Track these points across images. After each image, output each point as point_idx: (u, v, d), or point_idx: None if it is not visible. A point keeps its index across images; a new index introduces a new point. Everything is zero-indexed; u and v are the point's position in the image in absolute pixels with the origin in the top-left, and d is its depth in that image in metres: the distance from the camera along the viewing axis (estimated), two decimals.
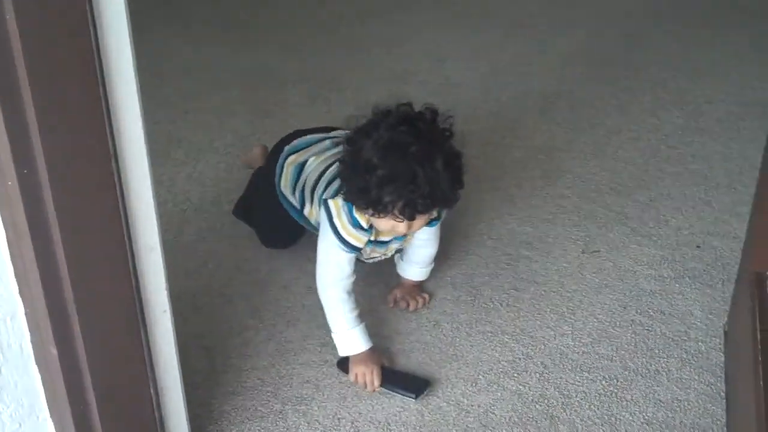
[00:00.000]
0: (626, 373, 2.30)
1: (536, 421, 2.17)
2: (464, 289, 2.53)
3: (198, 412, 2.09)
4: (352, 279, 2.25)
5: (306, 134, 2.56)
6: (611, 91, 3.34)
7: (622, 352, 2.36)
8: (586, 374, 2.30)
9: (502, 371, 2.30)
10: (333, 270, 2.24)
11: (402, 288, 2.49)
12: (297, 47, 3.57)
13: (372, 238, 2.25)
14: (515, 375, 2.29)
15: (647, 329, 2.42)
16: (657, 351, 2.36)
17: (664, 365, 2.32)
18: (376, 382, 2.21)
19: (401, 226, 2.13)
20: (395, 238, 2.31)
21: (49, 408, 1.77)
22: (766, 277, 2.06)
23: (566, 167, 2.99)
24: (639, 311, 2.47)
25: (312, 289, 2.44)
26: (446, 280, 2.57)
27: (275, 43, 3.61)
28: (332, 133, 2.52)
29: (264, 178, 2.57)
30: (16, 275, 1.61)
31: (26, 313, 1.65)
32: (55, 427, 1.79)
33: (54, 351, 1.66)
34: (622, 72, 3.45)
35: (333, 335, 2.26)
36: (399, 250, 2.44)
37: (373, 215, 2.13)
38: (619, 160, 3.03)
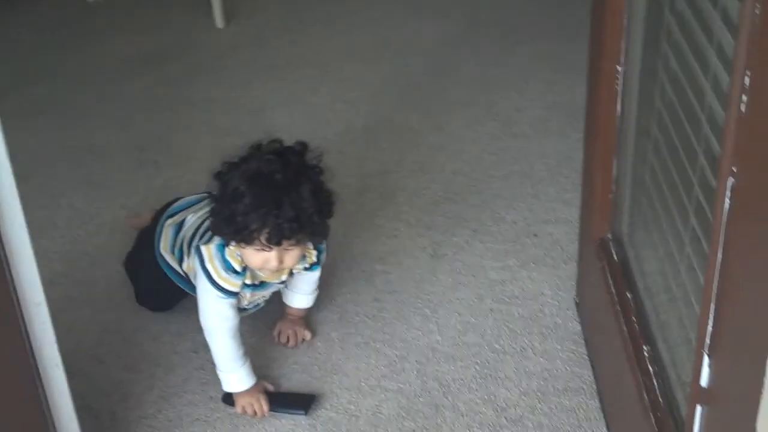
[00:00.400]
0: (495, 355, 2.44)
1: (422, 413, 2.28)
2: (329, 309, 2.62)
3: None
4: (236, 322, 2.27)
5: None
6: (426, 113, 3.52)
7: (488, 337, 2.50)
8: (460, 363, 2.42)
9: (381, 375, 2.39)
10: (214, 317, 2.25)
11: (284, 322, 2.51)
12: (116, 117, 3.60)
13: (248, 282, 2.26)
14: (394, 376, 2.39)
15: (505, 314, 2.57)
16: (518, 331, 2.51)
17: (527, 342, 2.47)
18: (265, 408, 2.28)
19: (272, 259, 2.15)
20: (274, 283, 2.34)
21: None
22: (608, 239, 2.24)
23: (400, 186, 3.13)
24: (494, 300, 2.62)
25: (182, 335, 2.48)
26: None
27: (94, 116, 3.63)
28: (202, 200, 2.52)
29: (147, 238, 2.54)
30: None
31: None
32: None
33: None
34: (433, 96, 3.64)
35: (218, 373, 2.30)
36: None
37: (240, 243, 2.15)
38: (448, 172, 3.19)
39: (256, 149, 2.17)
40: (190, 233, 2.39)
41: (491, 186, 3.12)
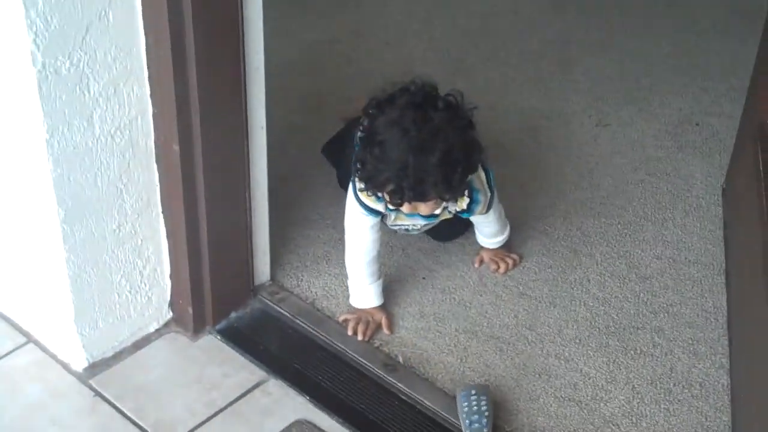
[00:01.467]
0: (638, 219, 2.63)
1: (561, 254, 2.50)
2: (495, 149, 2.84)
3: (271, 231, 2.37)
4: (374, 242, 2.21)
5: None
6: None
7: (634, 203, 2.69)
8: (604, 220, 2.63)
9: (532, 216, 2.62)
10: (353, 229, 2.21)
11: (486, 251, 2.44)
12: None
13: (391, 206, 2.13)
14: (542, 219, 2.61)
15: (655, 187, 2.75)
16: (664, 204, 2.69)
17: (670, 215, 2.66)
18: (366, 336, 2.20)
19: (404, 208, 2.07)
20: (419, 216, 2.16)
21: (162, 204, 2.06)
22: (766, 124, 2.37)
23: (579, 58, 3.31)
24: (648, 173, 2.81)
25: None
26: None
27: None
28: None
29: (350, 127, 2.46)
30: (150, 78, 1.90)
31: (154, 114, 1.94)
32: (165, 223, 2.09)
33: (176, 148, 1.95)
34: None
35: (348, 281, 2.28)
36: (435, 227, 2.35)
37: (366, 189, 2.08)
38: (625, 54, 3.35)
39: (405, 92, 2.03)
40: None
41: (664, 72, 3.26)
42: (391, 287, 2.35)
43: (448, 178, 1.97)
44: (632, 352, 2.23)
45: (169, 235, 2.09)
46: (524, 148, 2.88)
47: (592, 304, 2.35)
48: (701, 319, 2.34)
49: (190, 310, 2.16)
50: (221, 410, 2.05)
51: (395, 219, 2.24)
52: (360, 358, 2.16)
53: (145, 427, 2.00)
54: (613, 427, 2.04)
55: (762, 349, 1.88)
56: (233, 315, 2.24)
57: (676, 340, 2.28)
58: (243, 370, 2.14)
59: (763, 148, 2.32)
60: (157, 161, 1.99)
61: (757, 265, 2.05)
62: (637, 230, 2.59)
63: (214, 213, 2.06)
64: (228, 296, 2.22)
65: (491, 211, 2.27)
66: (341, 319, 2.23)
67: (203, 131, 1.93)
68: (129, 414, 2.03)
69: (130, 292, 2.10)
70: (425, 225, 2.29)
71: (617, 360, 2.21)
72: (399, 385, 2.10)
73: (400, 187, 1.97)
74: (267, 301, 2.28)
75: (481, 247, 2.43)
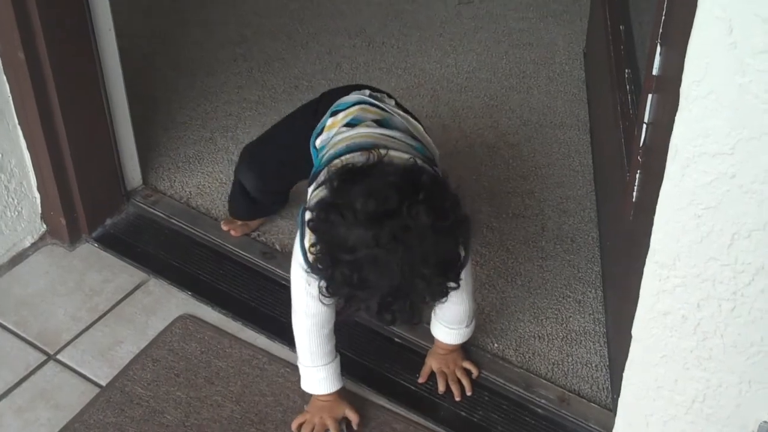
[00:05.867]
0: (503, 90, 2.69)
1: (430, 130, 2.53)
2: (359, 37, 2.86)
3: (138, 140, 2.36)
4: (325, 320, 1.76)
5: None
6: None
7: (499, 75, 2.74)
8: (470, 93, 2.67)
9: (398, 96, 2.64)
10: (300, 309, 1.75)
11: (432, 355, 1.96)
12: None
13: None
14: (410, 98, 2.64)
15: (518, 58, 2.80)
16: (528, 72, 2.75)
17: (534, 83, 2.72)
18: None
19: None
20: None
21: (17, 116, 2.04)
22: None
23: None
24: (511, 45, 2.85)
25: (224, 46, 2.74)
26: (342, 30, 2.89)
27: None
28: (390, 107, 1.93)
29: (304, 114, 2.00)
30: None
31: None
32: (24, 135, 2.07)
33: (21, 56, 1.92)
34: None
35: (298, 363, 1.84)
36: None
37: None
38: None
39: (357, 179, 1.51)
40: (332, 152, 1.76)
41: None
42: None
43: (444, 290, 1.56)
44: (504, 215, 2.29)
45: (30, 147, 2.07)
46: (389, 33, 2.90)
47: (462, 173, 2.40)
48: (569, 178, 2.41)
49: (63, 221, 2.16)
50: (104, 314, 2.07)
51: None
52: (238, 250, 2.18)
53: (30, 339, 2.01)
54: (489, 288, 2.10)
55: (622, 199, 1.95)
56: (108, 221, 2.24)
57: (546, 200, 2.35)
58: (123, 274, 2.15)
59: (611, 12, 2.37)
60: (5, 71, 1.96)
61: (611, 123, 2.12)
62: (504, 101, 2.65)
63: (71, 120, 2.05)
64: (100, 203, 2.22)
65: (463, 275, 1.66)
66: (294, 426, 1.84)
67: (46, 36, 1.91)
68: (12, 328, 2.03)
69: None
70: None
71: (491, 225, 2.27)
72: (278, 271, 2.13)
73: (389, 311, 1.53)
74: (141, 204, 2.29)
75: (430, 350, 1.96)
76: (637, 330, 1.16)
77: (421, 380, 1.93)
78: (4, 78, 1.97)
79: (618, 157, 2.00)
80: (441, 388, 1.91)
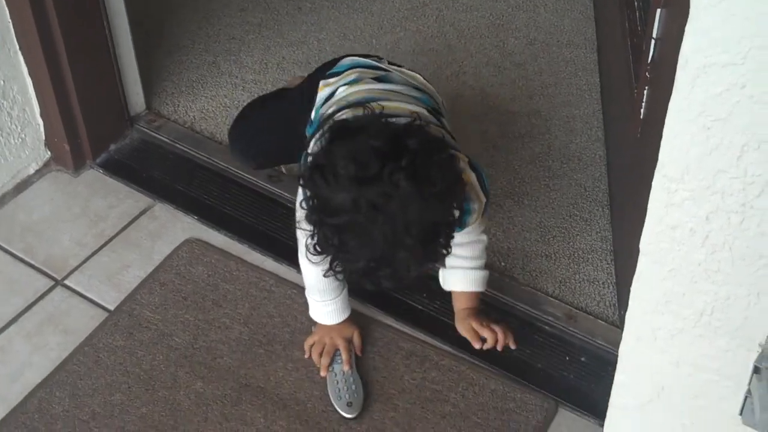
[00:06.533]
0: (509, 9, 2.65)
1: (437, 51, 2.51)
2: None
3: (141, 65, 2.33)
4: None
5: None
6: None
7: None
8: (476, 13, 2.64)
9: (403, 17, 2.61)
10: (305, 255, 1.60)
11: (459, 320, 1.84)
12: None
13: None
14: (415, 18, 2.61)
15: None
16: None
17: (541, 1, 2.68)
18: (325, 370, 1.82)
19: None
20: None
21: (18, 42, 2.02)
22: None
23: None
24: None
25: None
26: None
27: None
28: (385, 64, 1.87)
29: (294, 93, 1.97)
30: None
31: None
32: (25, 61, 2.05)
33: None
34: None
35: (306, 294, 1.84)
36: None
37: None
38: None
39: (342, 136, 1.47)
40: (332, 109, 1.71)
41: None
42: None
43: (431, 255, 1.51)
44: (510, 135, 2.28)
45: (31, 74, 2.05)
46: None
47: (469, 94, 2.38)
48: (576, 97, 2.39)
49: (67, 147, 2.15)
50: (111, 239, 2.07)
51: None
52: (244, 174, 2.17)
53: (37, 265, 2.01)
54: (496, 208, 2.09)
55: (630, 117, 1.93)
56: (112, 147, 2.23)
57: (553, 119, 2.33)
58: (128, 199, 2.14)
59: None
60: None
61: (619, 41, 2.09)
62: (510, 20, 2.61)
63: (73, 46, 2.02)
64: (104, 129, 2.21)
65: (484, 219, 1.73)
66: (306, 345, 1.85)
67: None
68: (19, 254, 2.03)
69: (1, 135, 2.07)
70: None
71: (497, 144, 2.25)
72: (285, 194, 2.12)
73: (374, 278, 1.49)
74: (145, 129, 2.27)
75: (454, 307, 1.85)
76: (645, 244, 1.15)
77: (477, 345, 1.80)
78: (4, 3, 1.94)
79: (626, 74, 1.98)
80: (491, 342, 1.80)
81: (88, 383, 1.80)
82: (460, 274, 1.81)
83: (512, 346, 1.82)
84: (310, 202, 1.47)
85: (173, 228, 2.08)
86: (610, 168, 2.18)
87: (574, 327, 1.89)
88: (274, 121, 1.98)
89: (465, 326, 1.82)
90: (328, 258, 1.50)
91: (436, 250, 1.49)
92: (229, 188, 2.16)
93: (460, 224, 1.59)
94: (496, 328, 1.81)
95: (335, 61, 1.89)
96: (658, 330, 1.21)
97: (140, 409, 1.77)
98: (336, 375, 1.81)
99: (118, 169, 2.20)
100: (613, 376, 1.35)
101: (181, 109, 2.33)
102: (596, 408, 1.73)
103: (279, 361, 1.84)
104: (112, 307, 1.93)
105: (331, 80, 1.80)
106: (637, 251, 1.19)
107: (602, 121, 2.32)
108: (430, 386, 1.81)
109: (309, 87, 1.86)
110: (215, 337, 1.88)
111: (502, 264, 2.00)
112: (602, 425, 1.48)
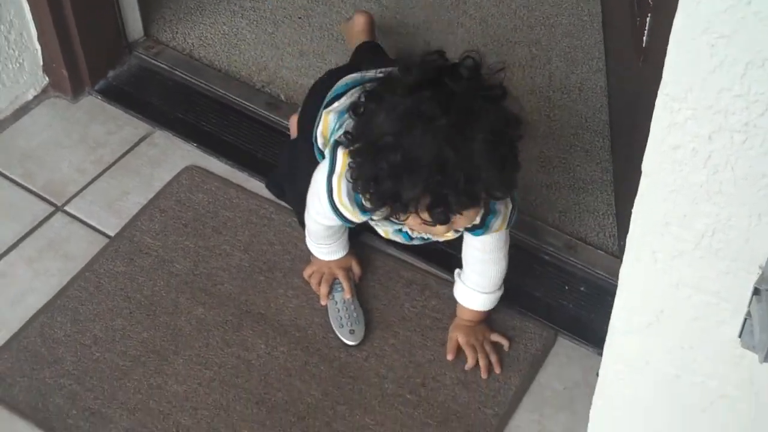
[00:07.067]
0: None
1: None
2: None
3: None
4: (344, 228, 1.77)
5: (340, 75, 1.84)
6: None
7: None
8: None
9: None
10: (315, 217, 1.72)
11: (459, 328, 1.78)
12: None
13: (375, 218, 1.61)
14: None
15: None
16: None
17: None
18: (325, 299, 1.82)
19: (438, 229, 1.51)
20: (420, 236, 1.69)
21: None
22: None
23: None
24: None
25: None
26: None
27: None
28: (369, 73, 1.78)
29: (300, 141, 1.87)
30: None
31: None
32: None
33: None
34: None
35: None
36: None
37: (391, 216, 1.53)
38: None
39: (406, 71, 1.48)
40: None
41: None
42: (266, 29, 2.33)
43: (504, 161, 1.46)
44: (511, 65, 2.26)
45: None
46: None
47: (469, 24, 2.36)
48: (577, 27, 2.37)
49: (66, 73, 2.14)
50: (110, 166, 2.07)
51: (392, 234, 1.73)
52: (243, 101, 2.17)
53: (36, 191, 2.01)
54: None
55: (632, 45, 1.92)
56: (111, 73, 2.22)
57: (554, 49, 2.32)
58: (127, 126, 2.14)
59: None
60: None
61: None
62: None
63: None
64: (102, 55, 2.19)
65: (507, 230, 1.69)
66: (305, 275, 1.85)
67: None
68: (18, 180, 2.03)
69: None
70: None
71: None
72: (284, 122, 2.11)
73: (441, 196, 1.42)
74: (143, 56, 2.26)
75: (457, 311, 1.79)
76: (646, 165, 1.15)
77: (449, 357, 1.75)
78: None
79: (628, 2, 1.97)
80: (470, 362, 1.73)
81: (89, 308, 1.81)
82: (472, 294, 1.75)
83: (497, 370, 1.74)
84: (362, 140, 1.49)
85: (173, 155, 2.08)
86: (611, 99, 2.17)
87: (574, 257, 1.90)
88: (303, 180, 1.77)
89: (453, 336, 1.77)
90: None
91: (507, 164, 1.46)
92: (228, 115, 2.15)
93: (482, 226, 1.59)
94: (481, 354, 1.74)
95: (321, 91, 1.82)
96: (658, 252, 1.21)
97: (141, 334, 1.78)
98: (337, 303, 1.81)
99: (116, 95, 2.19)
100: (612, 305, 1.35)
101: (180, 36, 2.31)
102: (595, 337, 1.75)
103: (279, 288, 1.85)
104: (112, 234, 1.93)
105: (335, 105, 1.73)
106: (638, 180, 1.19)
107: (603, 51, 2.30)
108: (431, 314, 1.82)
109: (308, 125, 1.81)
110: (216, 263, 1.88)
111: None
112: (601, 354, 1.49)
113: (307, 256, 1.87)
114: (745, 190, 1.09)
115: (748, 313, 1.14)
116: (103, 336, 1.77)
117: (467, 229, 1.62)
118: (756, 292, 1.12)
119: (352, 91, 1.73)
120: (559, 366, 1.76)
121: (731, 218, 1.12)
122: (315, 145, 1.77)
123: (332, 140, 1.64)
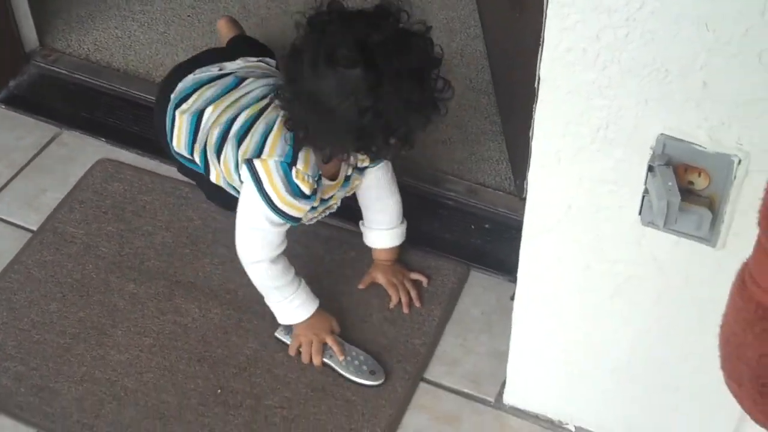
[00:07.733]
0: None
1: None
2: None
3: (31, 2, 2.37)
4: (284, 247, 1.76)
5: (190, 69, 1.94)
6: None
7: None
8: None
9: None
10: (258, 246, 1.74)
11: (378, 268, 1.91)
12: None
13: (315, 204, 1.73)
14: None
15: None
16: None
17: None
18: (320, 360, 1.80)
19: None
20: (339, 192, 1.81)
21: None
22: None
23: None
24: None
25: None
26: None
27: None
28: (228, 66, 1.93)
29: (157, 125, 1.97)
30: None
31: None
32: None
33: None
34: None
35: (269, 304, 1.82)
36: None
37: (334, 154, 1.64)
38: None
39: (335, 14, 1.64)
40: (215, 139, 1.80)
41: None
42: (158, 29, 2.42)
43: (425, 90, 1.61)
44: None
45: None
46: None
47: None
48: (452, 1, 2.52)
49: None
50: (23, 167, 2.13)
51: (315, 215, 1.84)
52: (145, 95, 2.24)
53: None
54: None
55: (507, 5, 2.08)
56: (11, 83, 2.28)
57: (432, 22, 2.45)
58: (35, 130, 2.20)
59: None
60: None
61: None
62: None
63: None
64: (1, 66, 2.25)
65: (389, 167, 1.86)
66: (291, 353, 1.82)
67: None
68: None
69: None
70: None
71: None
72: None
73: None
74: (41, 64, 2.32)
75: (373, 256, 1.92)
76: (543, 71, 1.29)
77: (361, 287, 1.89)
78: None
79: None
80: (394, 300, 1.87)
81: (22, 296, 1.87)
82: (379, 233, 1.89)
83: (417, 304, 1.87)
84: (303, 99, 1.58)
85: (84, 151, 2.15)
86: (492, 58, 2.33)
87: (476, 200, 2.04)
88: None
89: (372, 275, 1.90)
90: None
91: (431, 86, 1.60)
92: (132, 110, 2.24)
93: (374, 160, 1.76)
94: (402, 291, 1.87)
95: (172, 79, 1.94)
96: (560, 152, 1.36)
97: (77, 313, 1.85)
98: (340, 362, 1.78)
99: (20, 103, 2.25)
100: (516, 238, 1.50)
101: (75, 43, 2.38)
102: (504, 266, 1.89)
103: (205, 258, 1.94)
104: (35, 228, 2.00)
105: (184, 106, 1.87)
106: (524, 120, 1.32)
107: (479, 20, 2.46)
108: (351, 264, 1.95)
109: (161, 117, 1.92)
110: (140, 243, 1.96)
111: (402, 153, 2.13)
112: (512, 281, 1.62)
113: (228, 228, 1.92)
114: (631, 80, 1.24)
115: (646, 190, 1.29)
116: (40, 319, 1.83)
117: (358, 168, 1.78)
118: (650, 169, 1.27)
119: (200, 90, 1.87)
120: (475, 295, 1.90)
121: (621, 108, 1.27)
122: (176, 155, 1.91)
123: (236, 161, 1.75)
